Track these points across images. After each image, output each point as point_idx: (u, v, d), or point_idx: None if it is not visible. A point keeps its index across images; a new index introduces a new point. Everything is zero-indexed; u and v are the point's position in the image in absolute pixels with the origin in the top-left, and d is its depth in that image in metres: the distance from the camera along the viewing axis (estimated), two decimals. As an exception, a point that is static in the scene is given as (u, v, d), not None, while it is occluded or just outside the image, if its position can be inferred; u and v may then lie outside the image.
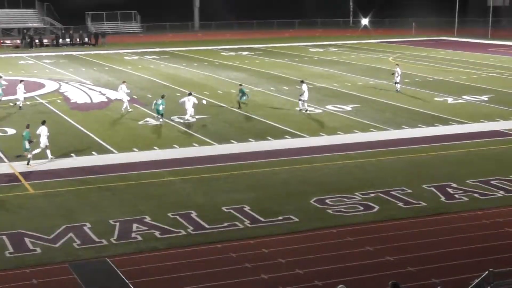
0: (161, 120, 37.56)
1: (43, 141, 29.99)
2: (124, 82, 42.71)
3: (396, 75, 47.95)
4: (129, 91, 42.51)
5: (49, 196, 25.16)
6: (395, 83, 48.02)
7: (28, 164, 28.99)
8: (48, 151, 30.16)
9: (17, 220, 22.51)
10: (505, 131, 35.61)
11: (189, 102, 37.25)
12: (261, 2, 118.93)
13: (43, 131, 30.17)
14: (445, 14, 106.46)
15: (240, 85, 44.58)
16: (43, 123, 30.79)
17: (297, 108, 40.55)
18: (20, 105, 42.08)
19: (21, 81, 43.42)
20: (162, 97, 38.56)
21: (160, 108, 37.56)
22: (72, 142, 33.49)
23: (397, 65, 51.58)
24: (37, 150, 29.80)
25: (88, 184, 26.59)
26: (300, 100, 40.42)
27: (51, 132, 34.99)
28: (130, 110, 40.92)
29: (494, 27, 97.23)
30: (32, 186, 26.20)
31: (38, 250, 20.01)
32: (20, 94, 42.18)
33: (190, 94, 38.18)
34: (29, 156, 29.04)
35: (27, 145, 29.12)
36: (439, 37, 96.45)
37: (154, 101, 38.63)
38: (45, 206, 24.00)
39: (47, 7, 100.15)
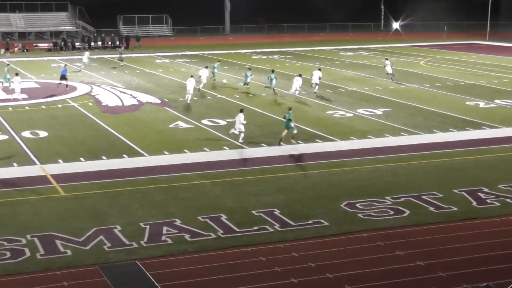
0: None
1: (239, 127, 33.71)
2: (192, 76, 47.00)
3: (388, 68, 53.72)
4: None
5: (79, 198, 25.32)
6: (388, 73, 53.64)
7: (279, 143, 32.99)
8: (241, 135, 33.71)
9: (48, 222, 22.68)
10: (538, 135, 35.22)
11: (238, 118, 34.47)
12: (291, 6, 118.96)
13: (240, 118, 33.69)
14: (477, 18, 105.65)
15: (273, 71, 50.05)
16: (241, 111, 34.37)
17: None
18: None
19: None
20: (249, 69, 47.74)
21: (248, 79, 47.85)
22: (103, 144, 33.70)
23: (386, 59, 57.29)
24: (234, 131, 33.92)
25: (119, 186, 26.73)
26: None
27: (82, 135, 35.46)
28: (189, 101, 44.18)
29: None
30: (63, 189, 26.39)
31: (69, 252, 20.14)
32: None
33: (241, 111, 34.86)
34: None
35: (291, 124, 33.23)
36: (471, 41, 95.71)
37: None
38: (75, 209, 24.16)
39: (79, 11, 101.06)
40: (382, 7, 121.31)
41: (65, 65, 57.61)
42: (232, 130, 34.46)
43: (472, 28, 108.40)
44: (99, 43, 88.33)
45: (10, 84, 48.33)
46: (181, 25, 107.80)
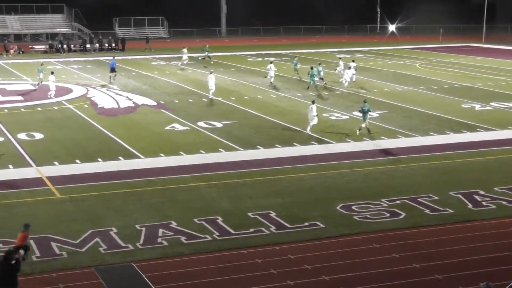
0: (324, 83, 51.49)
1: (312, 117, 36.22)
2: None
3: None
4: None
5: (75, 200, 25.30)
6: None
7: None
8: (311, 124, 36.31)
9: (44, 225, 22.65)
10: (533, 138, 35.30)
11: (312, 111, 36.41)
12: (287, 9, 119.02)
13: (313, 109, 36.18)
14: (473, 20, 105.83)
15: (319, 64, 55.10)
16: (313, 102, 37.18)
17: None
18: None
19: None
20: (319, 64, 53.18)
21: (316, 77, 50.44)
22: (98, 147, 33.67)
23: (353, 61, 58.53)
24: (313, 123, 36.20)
25: (115, 189, 26.71)
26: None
27: (78, 137, 35.44)
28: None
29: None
30: (58, 191, 26.36)
31: (65, 254, 20.13)
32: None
33: (313, 102, 37.50)
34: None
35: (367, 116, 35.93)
36: (466, 43, 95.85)
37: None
38: (71, 211, 24.14)
39: (75, 13, 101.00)
40: (378, 9, 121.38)
41: (113, 57, 62.40)
42: (309, 128, 36.66)
43: (468, 30, 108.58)
44: (96, 45, 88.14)
45: (40, 82, 51.98)
46: (177, 27, 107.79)
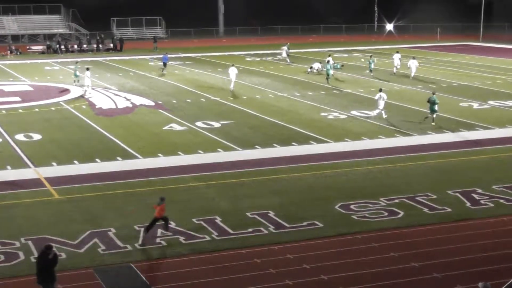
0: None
1: (381, 104, 39.16)
2: (233, 65, 53.12)
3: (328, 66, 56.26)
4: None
5: (73, 201, 25.30)
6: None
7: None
8: (377, 111, 39.45)
9: (42, 226, 22.65)
10: (531, 136, 35.34)
11: (380, 99, 39.66)
12: (285, 8, 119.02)
13: (382, 96, 39.16)
14: (470, 19, 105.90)
15: (328, 61, 56.93)
16: (380, 90, 39.90)
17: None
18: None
19: (87, 68, 53.05)
20: (328, 62, 56.07)
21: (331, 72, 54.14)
22: (97, 147, 33.66)
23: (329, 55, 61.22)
24: (377, 112, 39.23)
25: (113, 189, 26.71)
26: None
27: (76, 138, 35.45)
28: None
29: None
30: (57, 191, 26.36)
31: (63, 255, 20.11)
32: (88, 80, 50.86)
33: (381, 90, 40.41)
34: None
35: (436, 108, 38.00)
36: (464, 42, 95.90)
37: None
38: (70, 211, 24.14)
39: (73, 13, 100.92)
40: (376, 9, 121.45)
41: (166, 53, 67.95)
42: (375, 112, 39.68)
43: (466, 29, 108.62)
44: (94, 45, 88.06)
45: (78, 80, 53.84)
46: (174, 28, 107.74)
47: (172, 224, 22.58)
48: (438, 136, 35.64)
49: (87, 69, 53.02)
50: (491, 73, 60.56)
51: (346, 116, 40.84)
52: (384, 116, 39.69)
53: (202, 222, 22.84)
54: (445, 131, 36.67)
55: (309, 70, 62.01)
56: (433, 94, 39.23)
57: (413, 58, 60.12)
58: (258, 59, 75.12)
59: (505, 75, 59.07)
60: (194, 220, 23.05)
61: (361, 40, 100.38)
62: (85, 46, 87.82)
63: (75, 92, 51.35)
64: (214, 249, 20.66)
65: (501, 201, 24.95)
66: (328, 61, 57.33)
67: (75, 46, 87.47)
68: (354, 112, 41.83)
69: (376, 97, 40.25)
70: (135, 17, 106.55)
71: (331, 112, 42.04)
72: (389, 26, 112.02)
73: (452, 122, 38.79)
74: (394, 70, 61.05)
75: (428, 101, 38.82)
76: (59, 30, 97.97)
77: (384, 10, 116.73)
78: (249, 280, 18.53)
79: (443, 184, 26.93)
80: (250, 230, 22.16)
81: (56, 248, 20.53)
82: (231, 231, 22.06)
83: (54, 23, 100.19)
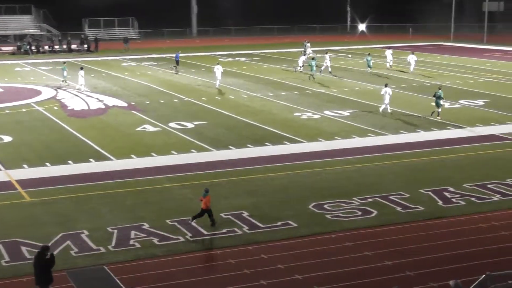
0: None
1: (387, 99, 40.59)
2: (218, 63, 55.05)
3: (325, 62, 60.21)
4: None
5: (46, 203, 25.12)
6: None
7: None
8: (386, 107, 40.76)
9: (13, 229, 22.45)
10: (501, 135, 35.68)
11: (386, 94, 40.97)
12: (258, 8, 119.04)
13: (388, 91, 40.52)
14: (442, 20, 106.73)
15: (313, 58, 59.06)
16: (386, 85, 41.65)
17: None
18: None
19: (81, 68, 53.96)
20: (313, 59, 58.19)
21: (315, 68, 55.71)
22: (69, 149, 33.44)
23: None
24: (383, 107, 40.90)
25: (86, 191, 26.56)
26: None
27: (48, 140, 35.20)
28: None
29: (489, 32, 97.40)
30: (28, 194, 26.16)
31: (36, 257, 19.94)
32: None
33: (386, 85, 42.05)
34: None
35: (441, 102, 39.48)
36: (435, 42, 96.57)
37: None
38: (41, 214, 23.96)
39: (44, 14, 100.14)
40: (348, 9, 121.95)
41: (179, 51, 68.42)
42: (382, 107, 41.18)
43: (437, 29, 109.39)
44: (64, 46, 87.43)
45: (66, 80, 54.70)
46: (147, 28, 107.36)
47: (146, 226, 22.52)
48: (410, 135, 35.86)
49: (81, 68, 53.84)
50: (462, 73, 61.06)
51: (319, 116, 40.95)
52: (389, 111, 41.08)
53: (176, 223, 22.79)
54: (417, 130, 36.91)
55: (295, 69, 62.80)
56: (439, 89, 40.57)
57: (412, 53, 62.97)
58: (231, 59, 75.10)
59: (476, 75, 59.60)
60: (168, 221, 22.99)
61: (334, 41, 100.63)
62: (57, 47, 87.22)
63: (46, 93, 50.98)
64: (188, 250, 20.63)
65: (472, 199, 25.17)
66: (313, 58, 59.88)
67: (46, 47, 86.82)
68: (327, 112, 41.95)
69: (382, 92, 41.63)
70: (107, 18, 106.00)
71: (305, 112, 42.14)
72: (362, 26, 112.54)
73: (424, 121, 39.04)
74: (388, 65, 64.23)
75: (434, 96, 40.08)
76: (30, 30, 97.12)
77: (357, 11, 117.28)
78: (223, 281, 18.52)
79: (415, 183, 27.12)
80: (224, 230, 22.15)
81: (28, 251, 20.41)
82: (205, 232, 22.03)
83: (25, 24, 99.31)
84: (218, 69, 53.11)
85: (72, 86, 53.86)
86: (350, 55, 77.54)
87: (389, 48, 67.47)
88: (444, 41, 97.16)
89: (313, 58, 59.43)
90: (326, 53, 63.74)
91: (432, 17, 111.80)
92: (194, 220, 22.51)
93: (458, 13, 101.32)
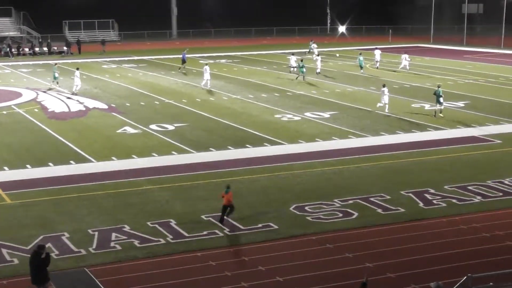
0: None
1: (384, 98, 42.04)
2: (207, 64, 57.52)
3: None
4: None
5: (26, 206, 24.98)
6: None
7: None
8: (387, 106, 42.00)
9: (-5, 231, 22.33)
10: (481, 137, 35.90)
11: (384, 95, 42.39)
12: (239, 10, 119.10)
13: (385, 91, 42.05)
14: (421, 21, 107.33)
15: (301, 60, 59.47)
16: (384, 85, 43.11)
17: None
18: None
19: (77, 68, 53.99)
20: (301, 60, 58.90)
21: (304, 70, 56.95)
22: (49, 151, 33.29)
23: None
24: (380, 104, 42.28)
25: (66, 193, 26.44)
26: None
27: (28, 142, 35.00)
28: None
29: (469, 34, 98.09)
30: (9, 196, 26.01)
31: (16, 261, 19.85)
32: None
33: (384, 85, 43.41)
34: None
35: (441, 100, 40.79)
36: (415, 44, 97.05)
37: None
38: (22, 216, 23.83)
39: (24, 16, 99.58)
40: (328, 11, 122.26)
41: (186, 50, 69.41)
42: (379, 104, 42.35)
43: (417, 31, 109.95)
44: (45, 48, 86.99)
45: (57, 82, 54.66)
46: (127, 30, 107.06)
47: (127, 228, 22.46)
48: (390, 137, 36.01)
49: (77, 68, 53.77)
50: (441, 74, 61.39)
51: (300, 118, 41.01)
52: (386, 110, 42.07)
53: (156, 226, 22.74)
54: (398, 132, 37.07)
55: (291, 69, 63.89)
56: (438, 87, 41.63)
57: (405, 52, 66.45)
58: (212, 61, 75.01)
59: (456, 76, 59.95)
60: (148, 223, 22.94)
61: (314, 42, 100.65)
62: (37, 49, 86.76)
63: (27, 95, 50.72)
64: (169, 252, 20.59)
65: (453, 200, 25.30)
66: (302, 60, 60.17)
67: (27, 49, 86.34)
68: (307, 114, 42.03)
69: (380, 91, 43.14)
70: (87, 20, 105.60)
71: (285, 114, 42.20)
72: (342, 28, 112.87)
73: (405, 123, 39.22)
74: (376, 65, 66.41)
75: (434, 94, 41.27)
76: (10, 33, 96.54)
77: (337, 13, 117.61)
78: (204, 283, 18.50)
79: (396, 185, 27.23)
80: (205, 232, 22.13)
81: (8, 254, 20.30)
82: (186, 234, 22.01)
83: (4, 26, 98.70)
84: (206, 70, 53.89)
85: (63, 87, 53.66)
86: (337, 55, 79.78)
87: (377, 48, 69.68)
88: (424, 43, 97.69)
89: (301, 60, 59.79)
90: (318, 55, 65.37)
91: (412, 19, 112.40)
92: (224, 220, 22.94)
93: (437, 15, 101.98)
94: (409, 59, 65.33)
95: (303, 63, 58.06)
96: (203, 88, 53.09)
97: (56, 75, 55.03)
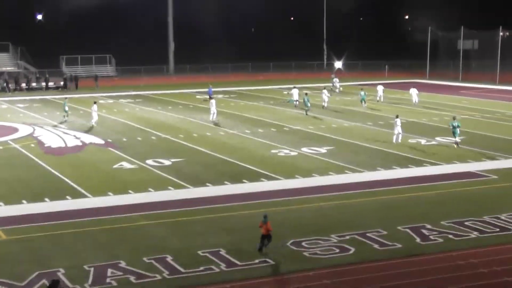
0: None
1: (398, 130, 43.17)
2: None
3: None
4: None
5: (21, 241, 24.88)
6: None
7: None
8: (400, 136, 43.28)
9: (-11, 267, 22.21)
10: (477, 172, 35.93)
11: (397, 126, 43.68)
12: (235, 45, 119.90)
13: (397, 122, 43.38)
14: (417, 57, 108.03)
15: (306, 94, 60.82)
16: (397, 116, 44.52)
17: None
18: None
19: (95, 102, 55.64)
20: (306, 94, 60.19)
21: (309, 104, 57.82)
22: (46, 186, 33.24)
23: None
24: (394, 138, 43.41)
25: (62, 229, 26.35)
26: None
27: (24, 177, 34.97)
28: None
29: (464, 70, 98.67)
30: (4, 232, 25.90)
31: (11, 296, 19.74)
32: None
33: (397, 116, 44.86)
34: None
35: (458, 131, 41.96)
36: (411, 79, 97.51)
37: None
38: (17, 252, 23.72)
39: (21, 51, 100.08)
40: (325, 46, 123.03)
41: (210, 86, 71.07)
42: (395, 137, 43.47)
43: (413, 67, 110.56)
44: (43, 83, 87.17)
45: (67, 115, 56.25)
46: (124, 65, 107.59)
47: (123, 264, 22.36)
48: (387, 172, 36.02)
49: (94, 102, 55.44)
50: (438, 110, 61.63)
51: (296, 153, 41.05)
52: (396, 140, 43.49)
53: (153, 261, 22.64)
54: (394, 167, 37.09)
55: (296, 103, 64.68)
56: (454, 119, 43.43)
57: (413, 87, 68.93)
58: (208, 96, 75.15)
59: (451, 112, 60.09)
60: (145, 259, 22.84)
61: (311, 78, 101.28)
62: (34, 84, 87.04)
63: (23, 130, 50.77)
64: (165, 289, 20.49)
65: (450, 236, 25.25)
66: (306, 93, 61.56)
67: (23, 85, 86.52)
68: (304, 149, 42.08)
69: (393, 122, 44.55)
70: (84, 55, 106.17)
71: (282, 149, 42.24)
72: (338, 64, 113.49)
73: (401, 158, 39.26)
74: (377, 98, 68.57)
75: (452, 126, 42.61)
76: (7, 68, 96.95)
77: (333, 48, 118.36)
78: (201, 319, 18.38)
79: (393, 220, 27.18)
80: (201, 268, 22.04)
81: (4, 290, 20.18)
82: (182, 270, 21.91)
83: (2, 61, 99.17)
84: (213, 104, 55.57)
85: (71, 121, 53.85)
86: (285, 92, 77.09)
87: (380, 84, 71.73)
88: (420, 78, 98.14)
89: (306, 94, 60.96)
90: (324, 89, 65.80)
91: (408, 55, 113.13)
92: (263, 248, 23.46)
93: (433, 51, 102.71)
94: (417, 92, 67.41)
95: (307, 97, 58.93)
96: (212, 121, 54.25)
97: (67, 108, 56.22)
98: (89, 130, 50.47)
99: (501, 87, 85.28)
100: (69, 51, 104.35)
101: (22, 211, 28.91)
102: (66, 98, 61.37)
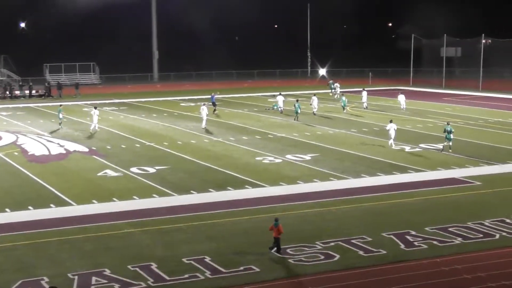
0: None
1: (393, 134, 44.62)
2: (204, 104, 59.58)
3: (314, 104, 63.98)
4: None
5: (5, 250, 24.73)
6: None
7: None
8: (392, 142, 44.69)
9: (-27, 276, 22.07)
10: (461, 178, 36.09)
11: (392, 129, 44.87)
12: (219, 53, 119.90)
13: (392, 126, 44.66)
14: (401, 64, 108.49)
15: (297, 100, 61.86)
16: (391, 121, 45.82)
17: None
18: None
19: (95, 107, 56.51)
20: (297, 101, 61.17)
21: (299, 110, 58.93)
22: (29, 195, 33.08)
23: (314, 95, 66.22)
24: (390, 141, 44.78)
25: (46, 237, 26.23)
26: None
27: (8, 185, 34.79)
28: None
29: (447, 77, 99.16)
30: (-12, 240, 25.76)
31: (-5, 305, 19.62)
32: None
33: (391, 121, 46.13)
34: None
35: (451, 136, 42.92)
36: (395, 86, 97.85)
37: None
38: (1, 261, 23.57)
39: (4, 59, 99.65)
40: (309, 54, 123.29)
41: (214, 93, 69.66)
42: (390, 141, 44.72)
43: (396, 74, 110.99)
44: (26, 91, 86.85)
45: (61, 123, 56.43)
46: (108, 73, 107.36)
47: (107, 272, 22.27)
48: (372, 179, 36.11)
49: (95, 107, 56.46)
50: (421, 117, 61.86)
51: (281, 160, 41.08)
52: (392, 146, 44.66)
53: (137, 269, 22.58)
54: (379, 173, 37.19)
55: (280, 109, 65.66)
56: (448, 124, 44.41)
57: (401, 93, 69.76)
58: (193, 104, 75.20)
59: (435, 119, 60.40)
60: (129, 267, 22.77)
61: (295, 85, 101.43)
62: (17, 92, 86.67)
63: (6, 139, 50.52)
64: (150, 296, 20.43)
65: (434, 242, 25.33)
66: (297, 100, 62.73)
67: (7, 93, 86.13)
68: (289, 156, 42.12)
69: (387, 127, 45.61)
70: (68, 63, 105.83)
71: (266, 157, 42.27)
72: (322, 71, 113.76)
73: (386, 165, 39.38)
74: (364, 105, 68.82)
75: (445, 131, 43.40)
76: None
77: (317, 56, 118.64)
78: (186, 327, 18.34)
79: (377, 227, 27.24)
80: (186, 276, 22.00)
81: (-13, 299, 20.05)
82: (167, 278, 21.86)
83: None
84: (204, 110, 55.78)
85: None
86: (218, 92, 75.83)
87: (364, 89, 72.12)
88: (404, 85, 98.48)
89: (297, 100, 61.92)
90: (314, 95, 66.22)
91: (392, 62, 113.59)
92: (274, 251, 24.06)
93: (416, 58, 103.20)
94: (405, 99, 68.33)
95: (298, 104, 59.86)
96: (203, 128, 54.51)
97: (61, 116, 56.38)
98: (92, 136, 50.78)
99: (484, 94, 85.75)
100: (53, 59, 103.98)
101: (5, 219, 28.76)
102: (60, 105, 61.10)
